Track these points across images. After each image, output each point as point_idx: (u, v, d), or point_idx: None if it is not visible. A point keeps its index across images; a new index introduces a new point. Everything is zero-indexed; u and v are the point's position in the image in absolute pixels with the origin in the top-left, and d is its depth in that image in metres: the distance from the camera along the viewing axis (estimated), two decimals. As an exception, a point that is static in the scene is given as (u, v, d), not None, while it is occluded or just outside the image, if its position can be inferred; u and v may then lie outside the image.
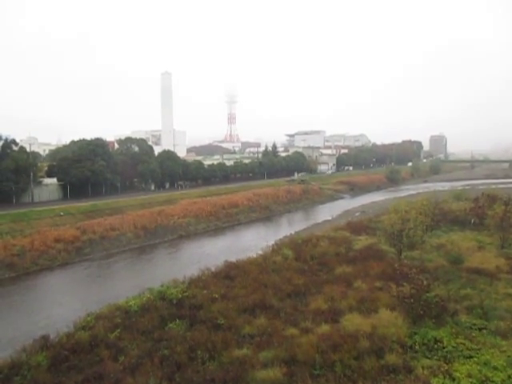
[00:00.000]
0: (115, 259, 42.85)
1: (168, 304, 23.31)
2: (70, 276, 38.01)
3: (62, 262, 40.59)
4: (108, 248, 45.51)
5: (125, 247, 46.96)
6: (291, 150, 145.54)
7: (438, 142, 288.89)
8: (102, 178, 66.99)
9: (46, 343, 18.85)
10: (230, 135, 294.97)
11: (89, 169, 64.14)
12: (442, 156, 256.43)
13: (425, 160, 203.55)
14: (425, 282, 20.93)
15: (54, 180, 65.81)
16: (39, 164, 68.94)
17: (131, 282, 32.77)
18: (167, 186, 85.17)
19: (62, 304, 29.73)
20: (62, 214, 50.85)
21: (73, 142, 74.73)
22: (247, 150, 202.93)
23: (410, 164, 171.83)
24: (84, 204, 56.83)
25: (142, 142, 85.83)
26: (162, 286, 26.13)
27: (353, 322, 19.43)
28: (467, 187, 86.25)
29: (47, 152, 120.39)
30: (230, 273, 29.37)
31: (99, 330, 19.87)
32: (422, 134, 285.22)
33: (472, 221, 45.93)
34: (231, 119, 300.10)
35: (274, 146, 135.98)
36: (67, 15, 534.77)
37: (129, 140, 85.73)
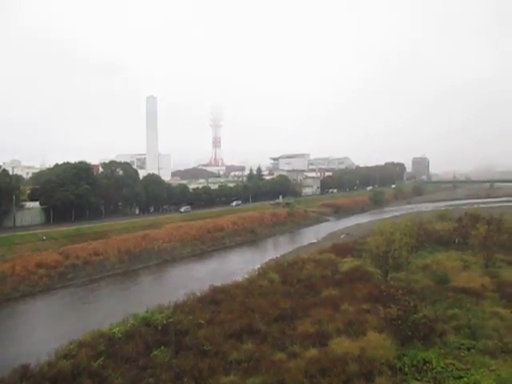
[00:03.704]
0: (99, 284, 42.02)
1: (153, 330, 22.86)
2: (52, 302, 37.06)
3: (44, 287, 39.64)
4: (91, 273, 44.63)
5: (109, 272, 46.12)
6: (276, 174, 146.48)
7: (421, 163, 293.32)
8: (86, 202, 66.22)
9: (25, 373, 18.22)
10: (215, 159, 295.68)
11: (73, 192, 63.37)
12: (424, 177, 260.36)
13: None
14: (412, 303, 20.98)
15: (37, 204, 64.78)
16: (22, 187, 67.82)
17: (115, 308, 32.05)
18: (152, 209, 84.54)
19: (43, 331, 28.93)
20: (44, 238, 49.89)
21: (57, 166, 73.75)
22: (232, 173, 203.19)
23: (393, 186, 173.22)
24: (67, 228, 55.92)
25: (126, 166, 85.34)
26: (146, 311, 25.69)
27: (341, 345, 19.27)
28: (450, 207, 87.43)
29: (30, 175, 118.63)
30: (216, 297, 29.04)
31: (82, 359, 19.31)
32: (404, 156, 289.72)
33: (456, 240, 46.48)
34: (216, 143, 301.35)
35: (259, 170, 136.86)
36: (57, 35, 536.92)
37: (113, 164, 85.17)
